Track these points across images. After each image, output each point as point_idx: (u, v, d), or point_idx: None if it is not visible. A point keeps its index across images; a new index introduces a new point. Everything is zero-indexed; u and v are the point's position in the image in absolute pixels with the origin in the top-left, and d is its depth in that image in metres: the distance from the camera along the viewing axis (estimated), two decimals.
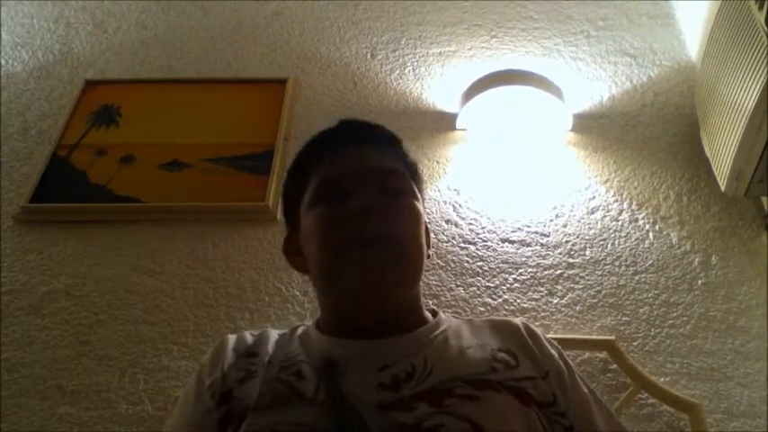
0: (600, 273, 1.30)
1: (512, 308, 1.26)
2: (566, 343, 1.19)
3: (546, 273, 1.30)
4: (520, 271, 1.31)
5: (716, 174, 1.30)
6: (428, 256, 0.78)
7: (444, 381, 0.64)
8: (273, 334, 0.76)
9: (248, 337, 0.76)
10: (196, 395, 0.69)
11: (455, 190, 1.44)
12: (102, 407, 1.16)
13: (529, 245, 1.35)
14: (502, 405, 0.62)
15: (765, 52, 1.08)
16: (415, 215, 0.75)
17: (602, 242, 1.35)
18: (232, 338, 0.75)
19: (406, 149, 0.84)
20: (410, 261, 0.72)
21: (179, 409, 0.71)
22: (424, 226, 0.77)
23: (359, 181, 0.73)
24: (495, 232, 1.37)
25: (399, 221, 0.72)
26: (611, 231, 1.36)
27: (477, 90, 1.45)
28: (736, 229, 1.35)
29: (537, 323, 1.23)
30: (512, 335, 0.74)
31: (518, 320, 0.77)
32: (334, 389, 0.63)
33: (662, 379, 1.16)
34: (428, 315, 0.77)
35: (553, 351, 0.73)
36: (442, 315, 0.78)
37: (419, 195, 0.79)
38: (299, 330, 0.77)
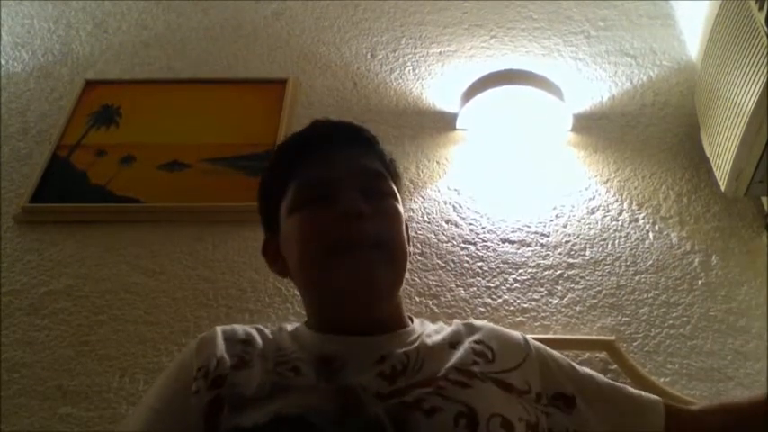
0: (600, 273, 1.30)
1: (512, 308, 1.26)
2: (566, 343, 1.19)
3: (546, 273, 1.30)
4: (520, 271, 1.31)
5: (716, 174, 1.29)
6: (409, 254, 0.80)
7: (436, 370, 0.67)
8: (260, 328, 0.77)
9: (238, 327, 0.76)
10: (178, 378, 0.69)
11: (455, 190, 1.44)
12: (102, 407, 1.16)
13: (529, 245, 1.35)
14: (488, 392, 0.66)
15: (765, 52, 1.08)
16: (398, 217, 0.76)
17: (602, 242, 1.35)
18: (221, 328, 0.75)
19: (383, 148, 0.84)
20: (397, 263, 0.74)
21: (154, 391, 0.70)
22: (405, 226, 0.79)
23: (342, 184, 0.73)
24: (495, 232, 1.37)
25: (385, 225, 0.73)
26: (611, 231, 1.36)
27: (477, 90, 1.45)
28: (736, 229, 1.35)
29: (537, 323, 1.23)
30: (480, 336, 0.76)
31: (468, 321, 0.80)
32: (335, 379, 0.65)
33: (662, 379, 1.16)
34: (407, 319, 0.80)
35: (520, 337, 0.78)
36: (417, 320, 0.80)
37: (399, 195, 0.80)
38: (288, 327, 0.77)
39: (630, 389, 0.78)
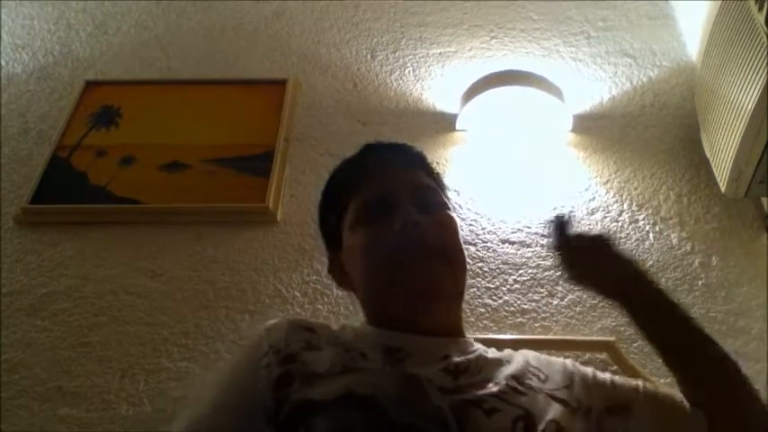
0: None
1: (512, 309, 1.26)
2: (566, 344, 1.19)
3: (546, 274, 1.30)
4: (520, 272, 1.31)
5: (716, 175, 1.29)
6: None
7: (494, 376, 0.70)
8: (323, 322, 0.81)
9: (303, 319, 0.80)
10: (251, 356, 0.71)
11: (455, 191, 1.44)
12: (102, 408, 1.16)
13: (529, 246, 1.35)
14: (544, 402, 0.69)
15: (765, 52, 1.08)
16: (454, 224, 0.81)
17: None
18: (288, 318, 0.79)
19: (429, 162, 0.90)
20: (458, 269, 0.78)
21: (227, 371, 0.73)
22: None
23: (398, 200, 0.78)
24: (495, 233, 1.37)
25: (442, 232, 0.78)
26: (611, 232, 1.36)
27: (477, 91, 1.45)
28: (736, 229, 1.35)
29: (537, 324, 1.23)
30: (531, 360, 0.79)
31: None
32: (400, 366, 0.68)
33: (662, 380, 1.15)
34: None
35: (568, 362, 0.80)
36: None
37: (449, 204, 0.85)
38: (348, 327, 0.80)
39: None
